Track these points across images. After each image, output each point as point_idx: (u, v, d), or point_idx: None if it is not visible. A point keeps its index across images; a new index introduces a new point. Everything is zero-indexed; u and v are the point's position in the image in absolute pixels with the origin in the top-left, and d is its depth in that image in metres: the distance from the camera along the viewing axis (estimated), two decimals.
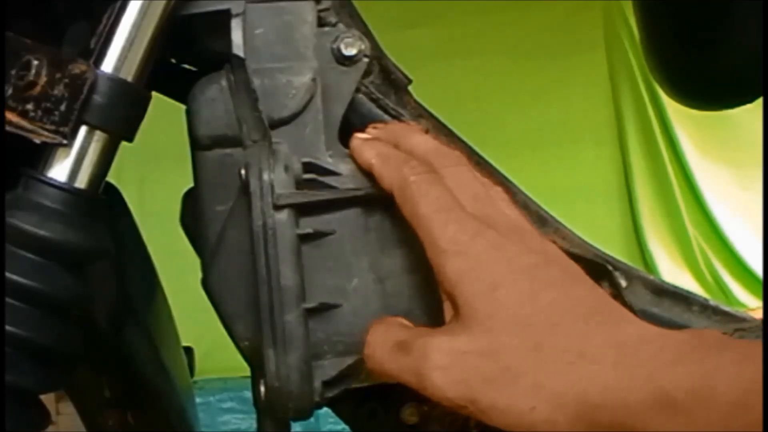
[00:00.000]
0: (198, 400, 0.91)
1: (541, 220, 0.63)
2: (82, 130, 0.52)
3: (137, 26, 0.53)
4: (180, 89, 0.58)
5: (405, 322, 0.52)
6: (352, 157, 0.55)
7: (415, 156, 0.53)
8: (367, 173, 0.54)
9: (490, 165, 0.63)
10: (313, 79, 0.55)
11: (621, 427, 0.43)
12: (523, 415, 0.44)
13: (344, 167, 0.55)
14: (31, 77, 0.50)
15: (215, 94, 0.55)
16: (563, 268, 0.49)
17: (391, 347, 0.49)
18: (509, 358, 0.45)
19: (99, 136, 0.52)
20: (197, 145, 0.56)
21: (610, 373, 0.43)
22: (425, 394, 0.47)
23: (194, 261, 0.58)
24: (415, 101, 0.62)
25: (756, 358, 0.40)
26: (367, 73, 0.58)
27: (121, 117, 0.53)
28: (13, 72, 0.51)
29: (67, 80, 0.51)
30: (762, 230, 3.22)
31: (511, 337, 0.45)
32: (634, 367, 0.43)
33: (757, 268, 3.44)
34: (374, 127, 0.57)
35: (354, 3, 0.60)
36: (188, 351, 0.87)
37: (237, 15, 0.55)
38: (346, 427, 0.63)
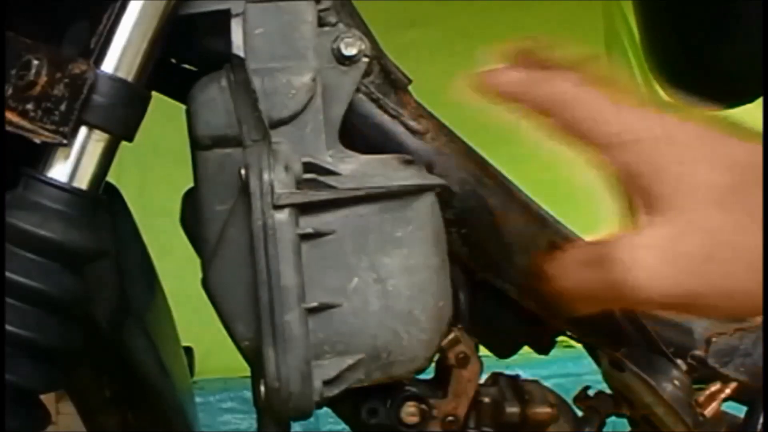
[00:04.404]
0: (198, 400, 0.90)
1: (541, 220, 0.63)
2: (82, 130, 0.52)
3: (137, 26, 0.53)
4: (180, 89, 0.58)
5: (588, 240, 0.46)
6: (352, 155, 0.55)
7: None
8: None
9: (491, 165, 0.63)
10: (313, 79, 0.55)
11: None
12: None
13: (344, 167, 0.55)
14: (31, 77, 0.50)
15: (215, 94, 0.55)
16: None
17: (579, 266, 0.45)
18: (725, 233, 0.39)
19: (99, 136, 0.52)
20: (197, 145, 0.56)
21: None
22: (628, 305, 0.42)
23: (194, 261, 0.58)
24: (415, 101, 0.62)
25: None
26: (367, 73, 0.58)
27: (121, 117, 0.53)
28: (13, 72, 0.51)
29: (67, 80, 0.51)
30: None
31: (723, 212, 0.40)
32: None
33: None
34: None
35: (354, 3, 0.60)
36: (188, 351, 0.87)
37: (237, 15, 0.55)
38: (346, 427, 0.63)
